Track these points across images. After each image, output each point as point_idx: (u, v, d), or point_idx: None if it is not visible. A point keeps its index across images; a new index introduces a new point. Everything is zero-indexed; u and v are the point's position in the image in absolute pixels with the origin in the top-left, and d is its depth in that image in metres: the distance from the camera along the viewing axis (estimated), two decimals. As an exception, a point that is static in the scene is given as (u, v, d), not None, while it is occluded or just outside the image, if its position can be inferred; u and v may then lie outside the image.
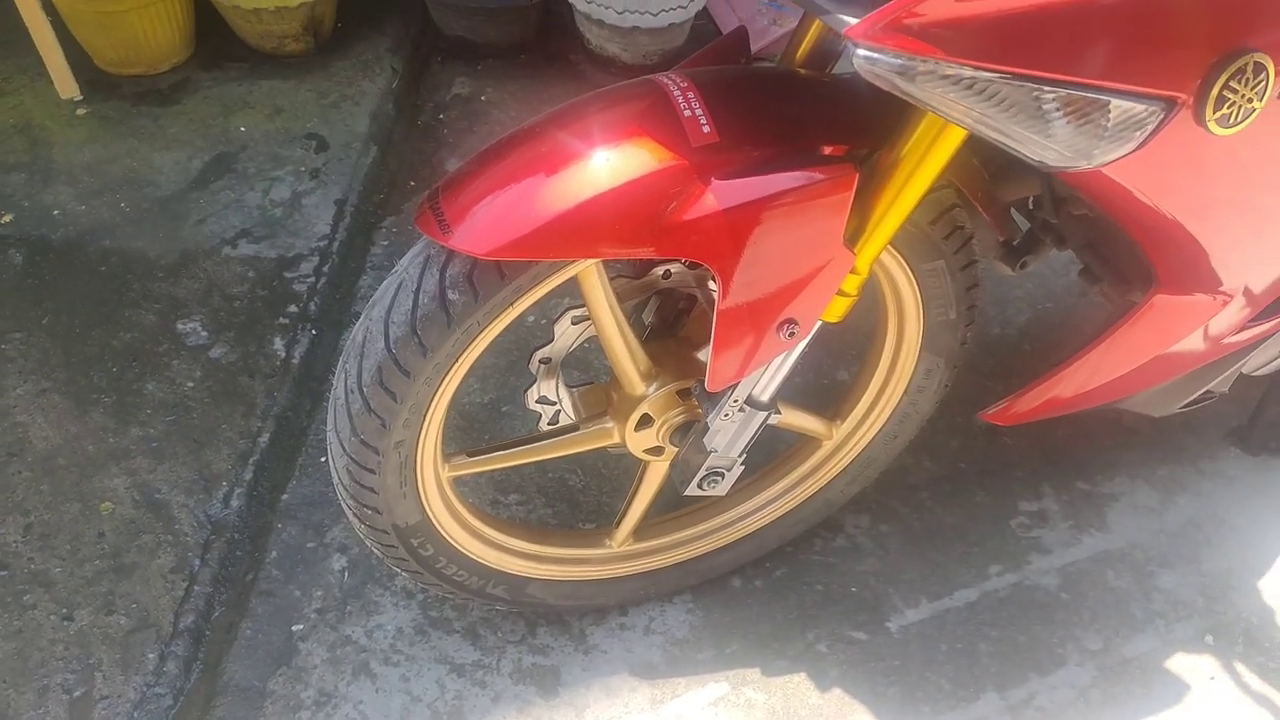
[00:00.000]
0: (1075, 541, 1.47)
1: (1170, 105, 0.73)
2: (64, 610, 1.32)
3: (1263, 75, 0.74)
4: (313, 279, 1.72)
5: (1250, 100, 0.74)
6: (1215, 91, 0.73)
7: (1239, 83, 0.73)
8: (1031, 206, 1.24)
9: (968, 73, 0.68)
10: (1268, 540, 1.47)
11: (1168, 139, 0.75)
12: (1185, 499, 1.52)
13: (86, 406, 1.53)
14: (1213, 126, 0.75)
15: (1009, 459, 1.57)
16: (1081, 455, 1.57)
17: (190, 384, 1.57)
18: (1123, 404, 1.26)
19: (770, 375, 1.03)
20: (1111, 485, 1.54)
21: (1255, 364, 1.24)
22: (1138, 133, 0.74)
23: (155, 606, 1.32)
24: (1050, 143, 0.73)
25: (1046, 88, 0.70)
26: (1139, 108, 0.72)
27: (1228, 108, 0.74)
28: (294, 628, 1.34)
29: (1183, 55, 0.72)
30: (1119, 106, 0.71)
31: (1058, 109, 0.71)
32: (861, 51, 0.68)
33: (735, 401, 1.04)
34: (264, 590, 1.38)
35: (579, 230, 0.86)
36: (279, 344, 1.62)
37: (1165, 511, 1.51)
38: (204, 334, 1.63)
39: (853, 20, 0.67)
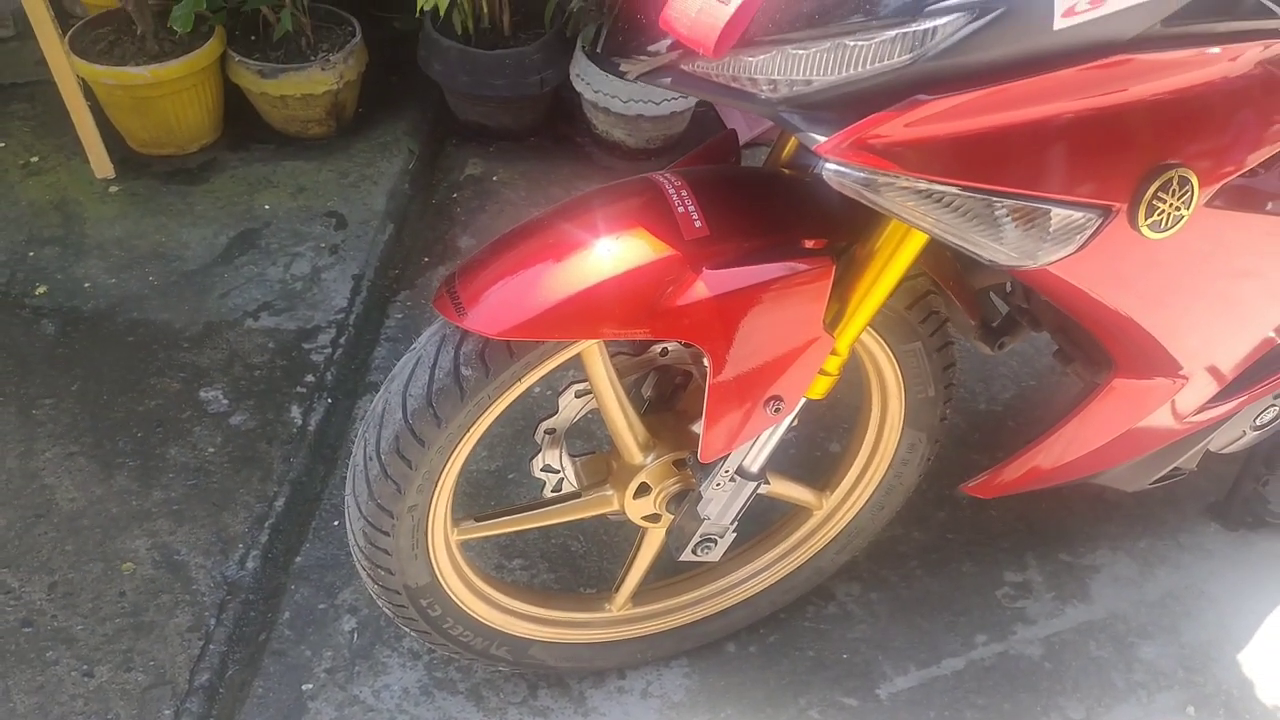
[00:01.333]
0: (1058, 612, 1.54)
1: (1106, 213, 0.83)
2: (85, 666, 1.39)
3: (1188, 187, 0.84)
4: (329, 350, 1.83)
5: (1178, 209, 0.85)
6: (1145, 201, 0.83)
7: (1166, 194, 0.84)
8: (1008, 290, 1.34)
9: (923, 185, 0.78)
10: (1246, 613, 1.54)
11: (1106, 242, 0.85)
12: (1165, 571, 1.59)
13: (112, 470, 1.62)
14: (1145, 231, 0.85)
15: (994, 531, 1.64)
16: (1064, 528, 1.64)
17: (211, 449, 1.66)
18: (1097, 479, 1.34)
19: (759, 447, 1.12)
20: (1093, 557, 1.61)
21: (1220, 443, 1.32)
22: (1078, 236, 0.84)
23: (172, 664, 1.39)
24: (1000, 245, 0.83)
25: (996, 198, 0.81)
26: (1077, 215, 0.82)
27: (1158, 215, 0.85)
28: (304, 687, 1.41)
29: (1115, 169, 0.82)
30: (1059, 214, 0.82)
31: (1007, 216, 0.82)
32: (830, 165, 0.78)
33: (726, 472, 1.13)
34: (276, 650, 1.45)
35: (582, 313, 0.95)
36: (296, 412, 1.72)
37: (1145, 583, 1.57)
38: (225, 402, 1.73)
39: (822, 138, 0.78)
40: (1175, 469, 1.32)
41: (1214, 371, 1.15)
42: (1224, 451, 1.37)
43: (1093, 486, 1.50)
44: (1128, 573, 1.59)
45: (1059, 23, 0.70)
